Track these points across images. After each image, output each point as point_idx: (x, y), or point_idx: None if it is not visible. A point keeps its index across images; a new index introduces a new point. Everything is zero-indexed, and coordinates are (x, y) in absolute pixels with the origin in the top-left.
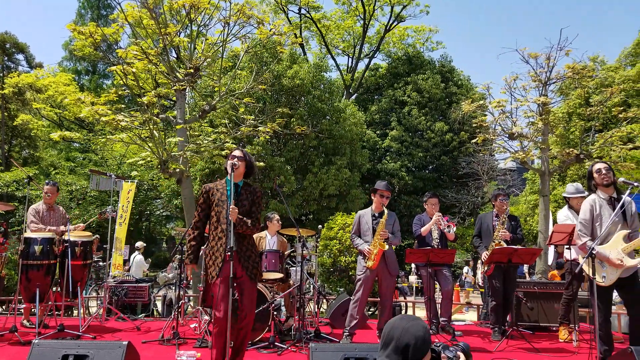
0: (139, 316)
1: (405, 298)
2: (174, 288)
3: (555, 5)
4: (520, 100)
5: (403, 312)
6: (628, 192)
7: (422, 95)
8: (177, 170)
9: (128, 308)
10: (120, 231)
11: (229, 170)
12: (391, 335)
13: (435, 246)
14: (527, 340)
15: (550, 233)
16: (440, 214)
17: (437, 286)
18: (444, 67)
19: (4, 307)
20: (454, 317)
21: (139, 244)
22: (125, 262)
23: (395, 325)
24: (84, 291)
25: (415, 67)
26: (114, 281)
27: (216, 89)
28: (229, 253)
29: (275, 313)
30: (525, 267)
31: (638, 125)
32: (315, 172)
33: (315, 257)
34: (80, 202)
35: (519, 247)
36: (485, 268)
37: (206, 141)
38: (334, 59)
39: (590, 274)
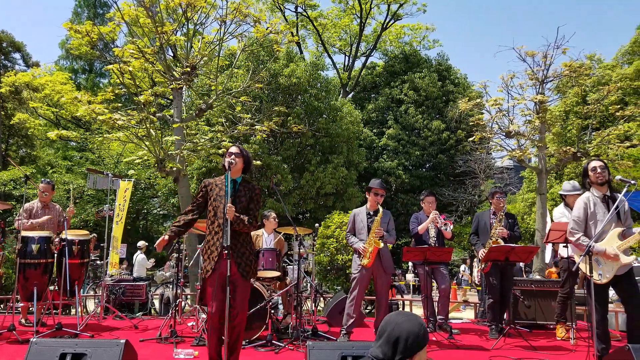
0: (137, 315)
1: (402, 296)
2: (171, 286)
3: (553, 3)
4: (517, 99)
5: (393, 311)
6: (625, 190)
7: (419, 94)
8: (174, 169)
9: (126, 306)
10: (117, 230)
11: (227, 167)
12: (385, 327)
13: (433, 244)
14: (524, 338)
15: (547, 231)
16: (437, 212)
17: (434, 284)
18: (441, 65)
19: (1, 305)
20: (451, 315)
21: (141, 243)
22: (123, 260)
23: (392, 318)
24: (81, 290)
25: (412, 66)
26: (112, 280)
27: (213, 87)
28: (226, 252)
29: (272, 311)
30: (521, 265)
31: (635, 124)
32: (312, 171)
33: (312, 255)
34: (77, 201)
35: (516, 244)
36: (482, 266)
37: (203, 140)
38: (330, 58)
39: (588, 272)
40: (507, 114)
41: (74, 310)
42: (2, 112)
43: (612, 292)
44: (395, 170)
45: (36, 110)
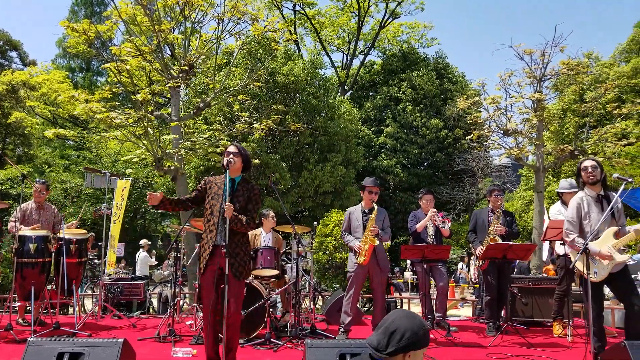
0: (135, 314)
1: (400, 294)
2: (169, 285)
3: (552, 2)
4: (515, 97)
5: (398, 308)
6: (622, 188)
7: (417, 92)
8: (172, 167)
9: (124, 305)
10: (114, 229)
11: (225, 166)
12: (386, 319)
13: (431, 242)
14: (521, 335)
15: (544, 229)
16: (435, 210)
17: (432, 282)
18: (439, 63)
19: None
20: (449, 312)
21: (144, 241)
22: (120, 259)
23: (395, 313)
24: (79, 289)
25: (410, 64)
26: (110, 279)
27: (210, 86)
28: (224, 250)
29: (271, 310)
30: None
31: (632, 122)
32: (311, 169)
33: (310, 253)
34: (74, 199)
35: (514, 242)
36: (480, 263)
37: (201, 138)
38: (328, 56)
39: (585, 270)
40: (504, 112)
41: (72, 309)
42: None
43: (607, 290)
44: (394, 169)
45: (33, 109)
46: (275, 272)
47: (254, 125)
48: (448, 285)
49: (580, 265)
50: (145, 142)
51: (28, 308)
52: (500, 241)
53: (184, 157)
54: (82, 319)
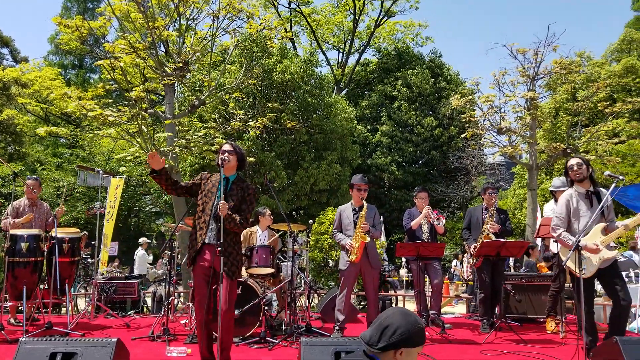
0: (129, 313)
1: (395, 292)
2: (163, 284)
3: (544, 1)
4: (508, 95)
5: (393, 306)
6: (613, 185)
7: (412, 91)
8: (166, 165)
9: (117, 305)
10: (107, 227)
11: (220, 165)
12: (382, 315)
13: (425, 240)
14: (515, 332)
15: (537, 226)
16: (430, 208)
17: (427, 279)
18: (434, 62)
19: None
20: (443, 309)
21: (142, 239)
22: (114, 258)
23: (391, 310)
24: (72, 288)
25: (405, 62)
26: (103, 278)
27: (205, 83)
28: (218, 249)
29: (266, 308)
30: (511, 261)
31: (623, 120)
32: (306, 167)
33: (306, 252)
34: (67, 198)
35: (508, 240)
36: (474, 260)
37: (195, 136)
38: (324, 54)
39: (577, 266)
40: (498, 111)
41: (65, 309)
42: None
43: (599, 287)
44: (389, 167)
45: (25, 107)
46: (270, 270)
47: (250, 123)
48: (443, 283)
49: (570, 263)
50: (139, 140)
51: (20, 308)
52: (494, 239)
53: (179, 155)
54: (75, 318)
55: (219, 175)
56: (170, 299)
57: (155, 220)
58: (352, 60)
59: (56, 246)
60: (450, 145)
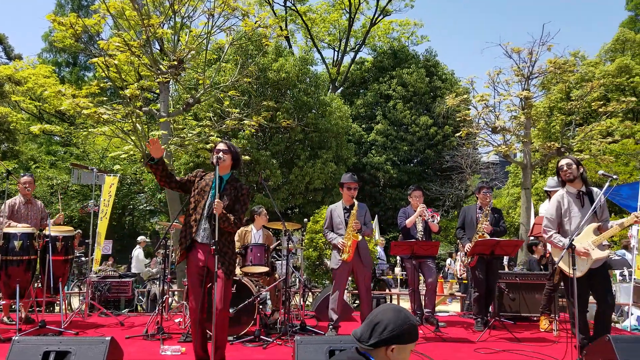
0: (123, 311)
1: (389, 290)
2: (157, 283)
3: (540, 1)
4: (503, 95)
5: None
6: (607, 184)
7: (407, 89)
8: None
9: (111, 303)
10: (102, 226)
11: (215, 163)
12: (373, 312)
13: (420, 238)
14: (509, 330)
15: (531, 225)
16: (424, 206)
17: (422, 278)
18: (429, 61)
19: None
20: (437, 308)
21: (140, 238)
22: (108, 257)
23: (383, 306)
24: (65, 287)
25: (400, 61)
26: (97, 276)
27: (200, 81)
28: (213, 247)
29: (260, 307)
30: (505, 260)
31: (617, 120)
32: (301, 166)
33: (301, 250)
34: (61, 196)
35: (502, 239)
36: (469, 260)
37: (190, 135)
38: (319, 53)
39: (570, 265)
40: (493, 110)
41: (58, 307)
42: None
43: None
44: (384, 166)
45: (18, 104)
46: (265, 269)
47: (245, 122)
48: (437, 281)
49: (563, 264)
50: (133, 138)
51: (13, 306)
52: (488, 238)
53: (173, 153)
54: (69, 317)
55: (213, 175)
56: (164, 297)
57: (149, 219)
58: (347, 59)
59: (50, 244)
60: (445, 144)
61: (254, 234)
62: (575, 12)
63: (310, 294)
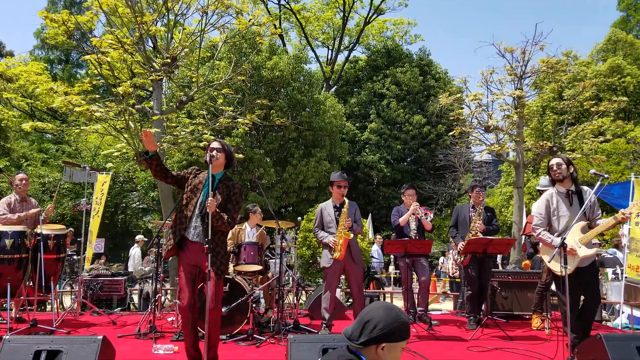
0: (115, 310)
1: (383, 289)
2: (150, 281)
3: (533, 0)
4: (496, 94)
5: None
6: (598, 183)
7: (401, 88)
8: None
9: (103, 302)
10: (94, 224)
11: (208, 162)
12: (364, 310)
13: (413, 237)
14: (501, 328)
15: (524, 224)
16: (418, 204)
17: (415, 276)
18: (422, 60)
19: None
20: (430, 306)
21: (139, 237)
22: (100, 255)
23: (374, 304)
24: (57, 285)
25: (394, 60)
26: (89, 275)
27: (194, 79)
28: (206, 246)
29: (254, 305)
30: (499, 258)
31: (609, 119)
32: (295, 164)
33: (294, 249)
34: (53, 194)
35: (494, 237)
36: (462, 258)
37: (184, 132)
38: (313, 51)
39: (562, 264)
40: (486, 109)
41: (50, 306)
42: None
43: None
44: (377, 164)
45: (10, 101)
46: (258, 267)
47: (238, 120)
48: (430, 280)
49: (554, 265)
50: (126, 135)
51: (4, 305)
52: (481, 237)
53: (166, 151)
54: (61, 316)
55: (206, 173)
56: (157, 296)
57: (142, 217)
58: (341, 58)
59: (41, 243)
60: (438, 143)
61: (247, 232)
62: (567, 12)
63: (303, 292)
